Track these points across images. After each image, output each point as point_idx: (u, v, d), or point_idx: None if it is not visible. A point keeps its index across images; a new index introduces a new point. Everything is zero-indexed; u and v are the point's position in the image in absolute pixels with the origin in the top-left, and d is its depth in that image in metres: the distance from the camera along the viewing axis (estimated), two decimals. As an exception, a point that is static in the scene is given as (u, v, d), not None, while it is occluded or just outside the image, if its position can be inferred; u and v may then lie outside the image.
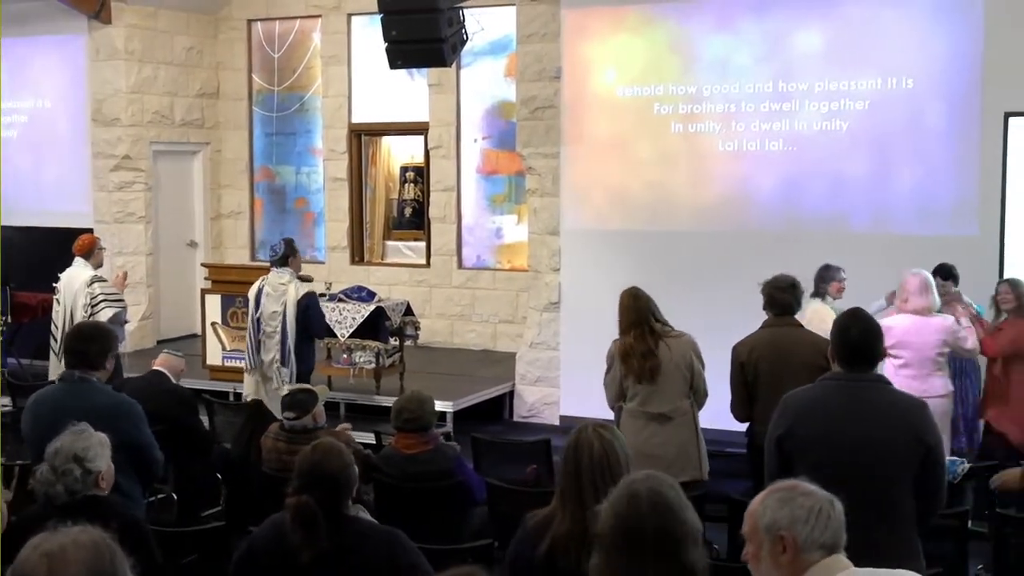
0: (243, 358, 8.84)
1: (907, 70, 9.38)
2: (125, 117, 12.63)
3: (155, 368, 7.43)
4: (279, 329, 8.39)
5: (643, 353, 6.23)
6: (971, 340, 7.45)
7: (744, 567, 3.08)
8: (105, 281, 9.07)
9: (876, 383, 4.17)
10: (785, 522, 2.85)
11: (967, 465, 6.63)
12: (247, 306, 8.80)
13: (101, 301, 8.83)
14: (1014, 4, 9.01)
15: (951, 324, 7.27)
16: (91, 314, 8.69)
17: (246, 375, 8.76)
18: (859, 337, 4.16)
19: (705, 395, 6.42)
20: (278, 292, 8.44)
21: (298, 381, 8.11)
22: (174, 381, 7.40)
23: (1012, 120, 8.91)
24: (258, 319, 8.51)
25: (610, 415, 6.52)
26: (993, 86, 9.03)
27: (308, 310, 8.42)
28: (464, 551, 5.10)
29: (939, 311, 7.36)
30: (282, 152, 13.77)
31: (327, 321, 9.69)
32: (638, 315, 6.29)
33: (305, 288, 8.50)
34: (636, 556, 2.86)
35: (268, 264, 8.89)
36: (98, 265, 9.15)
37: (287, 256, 8.53)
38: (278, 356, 8.40)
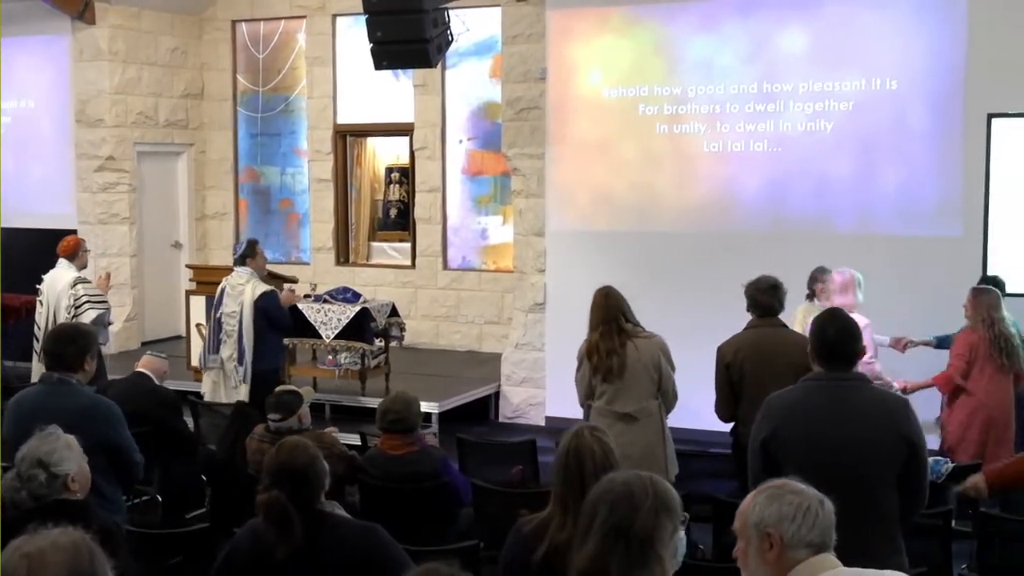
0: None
1: (891, 71, 9.41)
2: (109, 118, 12.59)
3: (138, 370, 7.42)
4: (236, 329, 8.43)
5: (607, 350, 6.23)
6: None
7: (729, 567, 3.09)
8: (89, 283, 9.04)
9: (857, 382, 4.18)
10: (772, 519, 2.86)
11: (951, 465, 6.64)
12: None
13: (85, 303, 8.80)
14: (997, 6, 9.04)
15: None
16: (74, 316, 8.67)
17: (204, 375, 8.77)
18: (837, 336, 4.18)
19: (674, 397, 6.40)
20: (236, 291, 8.50)
21: (264, 380, 8.15)
22: (157, 383, 7.39)
23: (995, 121, 8.95)
24: (218, 318, 8.54)
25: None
26: (976, 87, 9.07)
27: (267, 312, 8.43)
28: (450, 552, 5.10)
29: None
30: (267, 153, 13.74)
31: (311, 321, 9.70)
32: (606, 313, 6.29)
33: (262, 288, 8.51)
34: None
35: (269, 264, 8.96)
36: (82, 267, 9.13)
37: (245, 256, 8.58)
38: (235, 356, 8.45)
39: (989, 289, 7.50)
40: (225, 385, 8.54)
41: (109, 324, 9.37)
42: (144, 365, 7.43)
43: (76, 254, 9.07)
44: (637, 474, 2.90)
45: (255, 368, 8.42)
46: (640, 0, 10.26)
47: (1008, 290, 8.60)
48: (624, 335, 6.25)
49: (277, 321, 8.59)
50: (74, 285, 8.85)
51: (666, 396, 6.35)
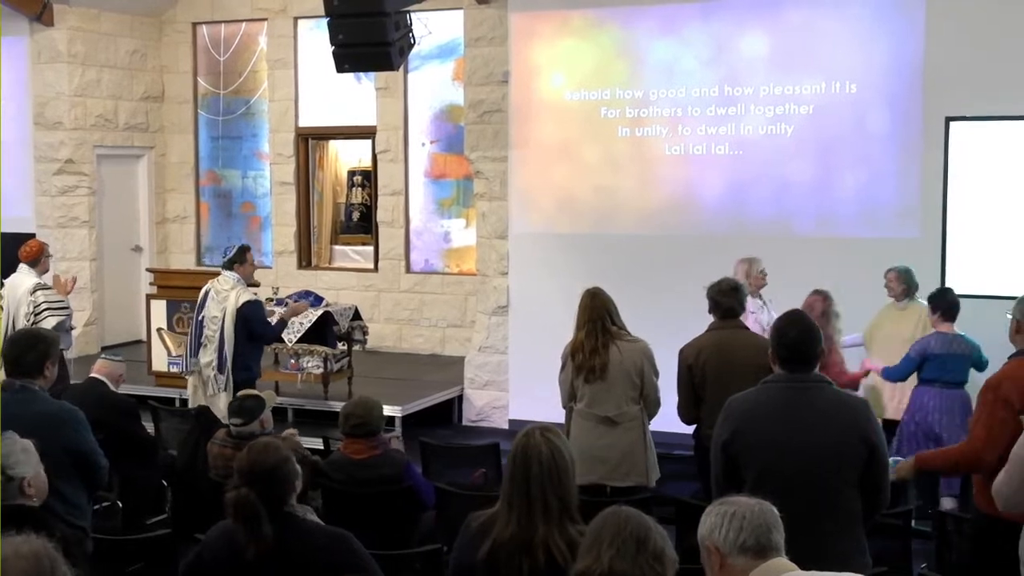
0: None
1: (850, 75, 9.49)
2: (68, 120, 12.49)
3: (93, 375, 7.31)
4: (217, 335, 8.27)
5: (591, 350, 6.23)
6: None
7: (693, 568, 3.14)
8: (49, 289, 8.89)
9: (817, 384, 4.21)
10: (706, 532, 2.98)
11: (911, 465, 6.72)
12: (194, 311, 8.68)
13: (44, 310, 8.68)
14: (955, 10, 9.14)
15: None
16: (33, 323, 8.55)
17: (188, 378, 8.67)
18: (797, 338, 4.20)
19: (657, 404, 6.40)
20: (220, 296, 8.32)
21: (240, 389, 8.01)
22: (113, 388, 7.26)
23: (953, 124, 9.05)
24: (200, 321, 8.40)
25: (560, 417, 6.53)
26: (934, 91, 9.16)
27: (249, 322, 8.24)
28: (413, 556, 5.10)
29: None
30: (228, 156, 13.67)
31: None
32: (593, 313, 6.29)
33: (247, 296, 8.30)
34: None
35: (218, 268, 8.81)
36: (43, 272, 8.99)
37: (233, 261, 8.37)
38: (215, 362, 8.27)
39: None
40: (203, 391, 8.35)
41: (71, 329, 9.26)
42: (99, 370, 7.31)
43: (38, 260, 8.94)
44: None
45: (235, 378, 8.21)
46: (602, 3, 10.30)
47: (966, 292, 8.71)
48: (609, 336, 6.26)
49: (256, 332, 8.33)
50: (34, 292, 8.72)
51: (648, 401, 6.34)
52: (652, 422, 6.49)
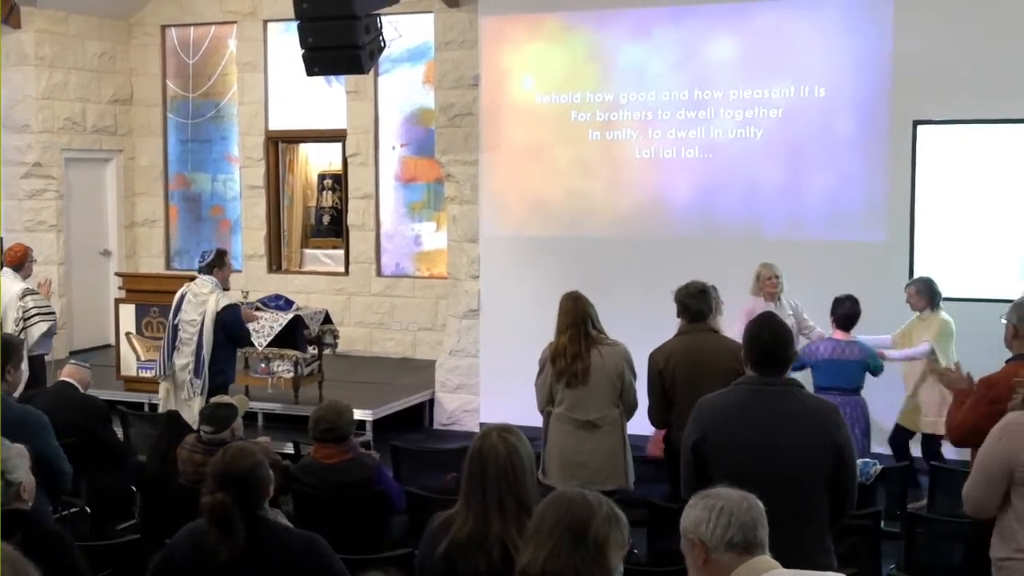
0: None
1: (819, 79, 9.55)
2: (36, 123, 12.40)
3: (63, 379, 7.27)
4: (195, 338, 8.23)
5: (573, 355, 6.26)
6: None
7: (664, 571, 3.14)
8: (37, 294, 8.82)
9: (788, 388, 4.22)
10: (691, 525, 2.92)
11: (879, 467, 6.78)
12: (163, 315, 8.63)
13: (35, 315, 8.63)
14: (922, 16, 9.21)
15: None
16: (23, 328, 8.49)
17: (160, 383, 8.61)
18: (770, 341, 4.22)
19: (634, 406, 6.45)
20: (198, 300, 8.27)
21: (216, 393, 7.97)
22: (82, 391, 7.25)
23: (920, 128, 9.12)
24: (176, 325, 8.34)
25: (531, 420, 6.53)
26: (902, 95, 9.23)
27: (228, 327, 8.24)
28: (385, 560, 5.08)
29: None
30: (197, 159, 13.60)
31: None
32: (575, 317, 6.32)
33: (226, 300, 8.30)
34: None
35: (193, 271, 8.76)
36: (27, 276, 8.92)
37: (212, 265, 8.32)
38: (192, 366, 8.23)
39: None
40: (176, 395, 8.31)
41: (54, 334, 9.20)
42: (68, 375, 7.28)
43: (23, 264, 8.87)
44: (587, 490, 2.94)
45: (211, 382, 8.20)
46: (573, 7, 10.32)
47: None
48: (590, 341, 6.29)
49: (237, 336, 8.37)
50: (23, 297, 8.64)
51: (626, 405, 6.40)
52: (622, 425, 6.52)
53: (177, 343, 8.32)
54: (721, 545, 2.86)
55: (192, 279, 8.54)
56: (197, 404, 8.02)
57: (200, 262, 8.49)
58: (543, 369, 6.43)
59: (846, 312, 7.73)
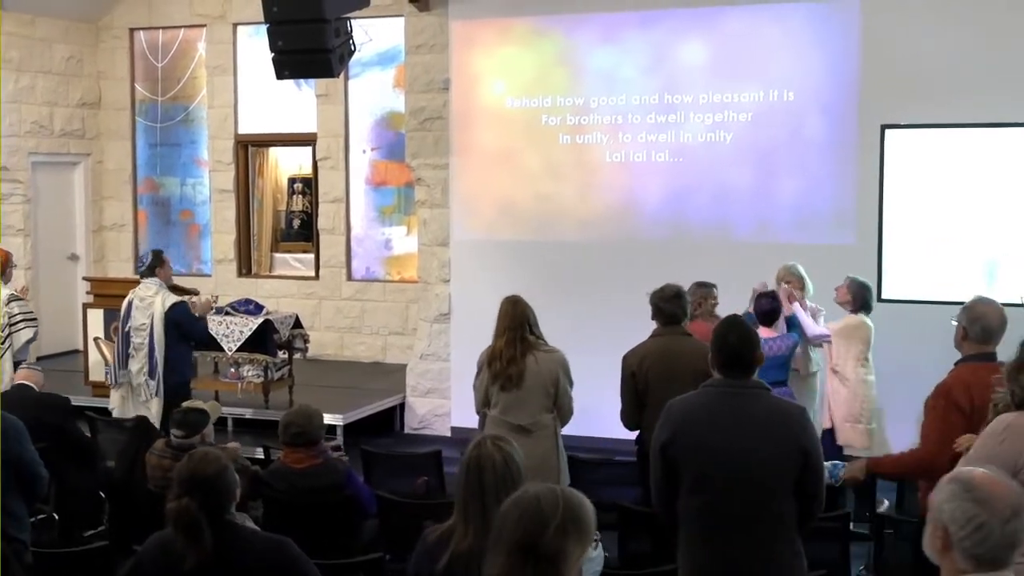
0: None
1: (788, 83, 9.61)
2: (2, 127, 12.29)
3: (19, 382, 7.23)
4: (146, 341, 8.24)
5: (509, 359, 6.24)
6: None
7: (634, 574, 3.11)
8: (22, 300, 8.80)
9: (755, 390, 4.24)
10: (946, 517, 2.68)
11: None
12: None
13: (20, 321, 8.59)
14: (889, 21, 9.28)
15: None
16: (9, 335, 8.44)
17: (112, 391, 8.57)
18: (737, 343, 4.24)
19: (569, 413, 6.41)
20: (145, 303, 8.29)
21: (175, 393, 8.00)
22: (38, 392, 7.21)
23: (888, 132, 9.18)
24: (127, 332, 8.34)
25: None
26: (870, 99, 9.30)
27: (179, 325, 8.25)
28: (356, 565, 5.07)
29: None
30: (166, 163, 13.53)
31: (212, 333, 9.54)
32: (512, 321, 6.31)
33: (172, 299, 8.33)
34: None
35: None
36: (8, 281, 8.86)
37: (153, 266, 8.37)
38: (146, 368, 8.24)
39: None
40: (134, 400, 8.32)
41: (34, 340, 9.16)
42: (23, 377, 7.24)
43: (5, 269, 8.81)
44: (551, 488, 2.79)
45: (166, 382, 8.22)
46: (543, 11, 10.33)
47: (901, 297, 8.85)
48: (526, 345, 6.27)
49: (191, 332, 8.40)
50: (8, 303, 8.59)
51: (561, 411, 6.36)
52: (594, 428, 6.52)
53: (130, 350, 8.34)
54: (967, 552, 2.63)
55: (135, 284, 8.56)
56: (155, 405, 8.08)
57: (140, 266, 8.58)
58: (480, 371, 6.43)
59: (763, 309, 7.71)
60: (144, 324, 8.25)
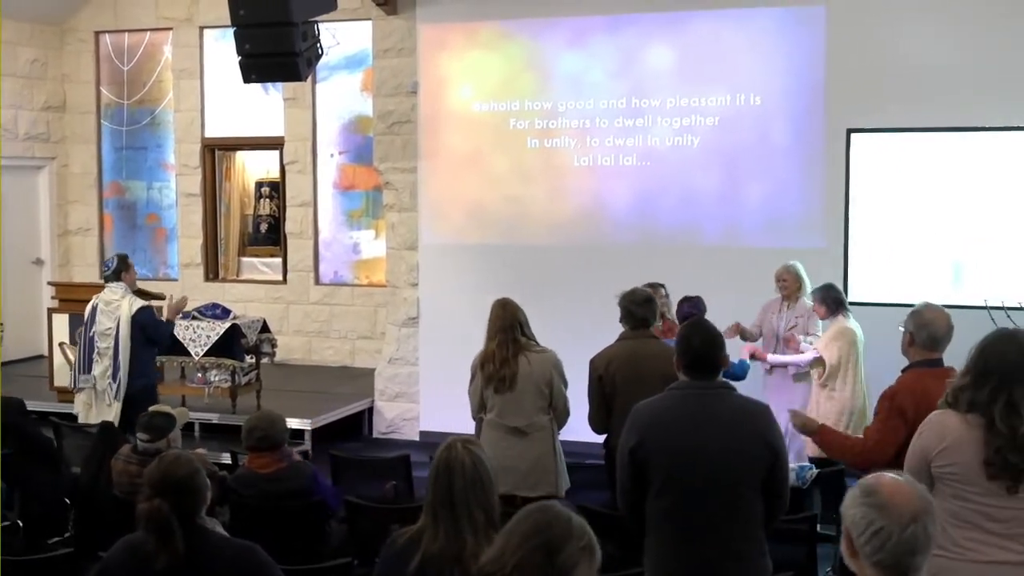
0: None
1: (754, 88, 9.66)
2: (-35, 131, 12.20)
3: None
4: (111, 345, 8.20)
5: (501, 360, 6.26)
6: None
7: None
8: None
9: (720, 390, 4.27)
10: (848, 522, 2.70)
11: (815, 471, 6.84)
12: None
13: None
14: (854, 26, 9.35)
15: None
16: None
17: (76, 396, 8.51)
18: (701, 346, 4.27)
19: (566, 414, 6.45)
20: (111, 308, 8.25)
21: (141, 397, 7.95)
22: None
23: (854, 136, 9.25)
24: (91, 337, 8.30)
25: (469, 428, 6.53)
26: (836, 103, 9.37)
27: (145, 328, 8.22)
28: (324, 570, 5.05)
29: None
30: (133, 167, 13.44)
31: (179, 338, 9.49)
32: (503, 323, 6.33)
33: (139, 303, 8.30)
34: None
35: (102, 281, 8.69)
36: None
37: (119, 271, 8.35)
38: (110, 371, 8.21)
39: None
40: (98, 404, 8.27)
41: None
42: None
43: None
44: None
45: (130, 386, 8.18)
46: (511, 15, 10.35)
47: (868, 300, 8.90)
48: (518, 346, 6.29)
49: (157, 336, 8.35)
50: None
51: (557, 412, 6.39)
52: (562, 432, 6.52)
53: (94, 355, 8.28)
54: (868, 559, 2.64)
55: (99, 289, 8.50)
56: (116, 409, 8.08)
57: (105, 271, 8.53)
58: (474, 376, 6.44)
59: (683, 313, 7.72)
60: (110, 328, 8.21)
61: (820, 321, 8.07)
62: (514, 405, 6.29)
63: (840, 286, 8.55)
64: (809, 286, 8.26)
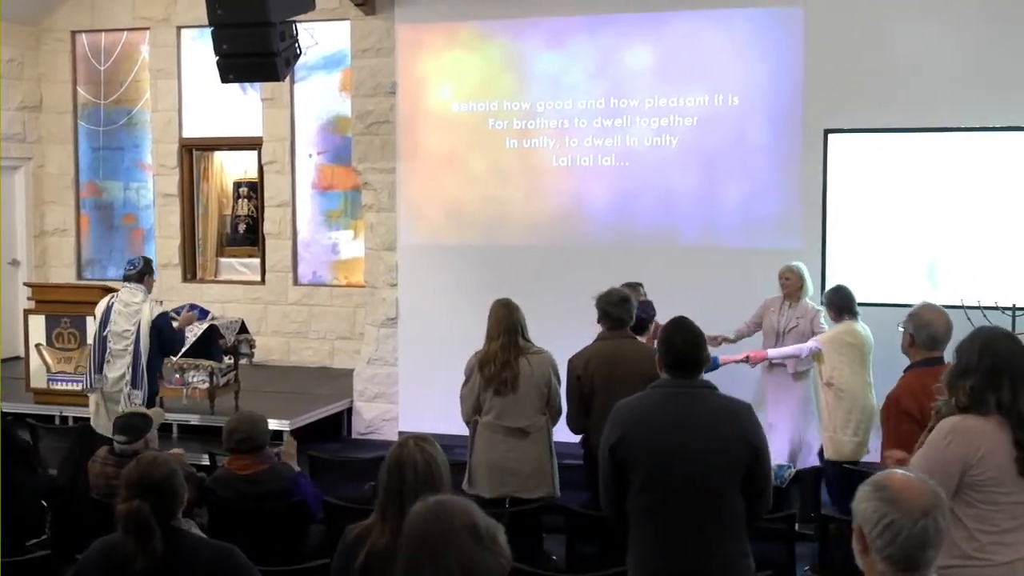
0: (70, 380, 8.49)
1: (733, 88, 9.69)
2: (-60, 131, 12.12)
3: None
4: (131, 349, 7.93)
5: (503, 363, 6.31)
6: None
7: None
8: None
9: (702, 389, 4.28)
10: (859, 513, 2.73)
11: (793, 470, 6.88)
12: (75, 326, 8.40)
13: None
14: (832, 27, 9.38)
15: None
16: None
17: (90, 396, 8.32)
18: (683, 345, 4.27)
19: (559, 412, 6.52)
20: (130, 310, 7.98)
21: (149, 404, 7.79)
22: None
23: (831, 137, 9.29)
24: (104, 337, 8.03)
25: (450, 429, 6.53)
26: (813, 104, 9.40)
27: (163, 333, 8.02)
28: (302, 572, 5.04)
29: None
30: (109, 167, 13.37)
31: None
32: (507, 325, 6.38)
33: (159, 308, 8.12)
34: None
35: (107, 281, 8.56)
36: None
37: (144, 273, 8.09)
38: (128, 377, 7.93)
39: None
40: (108, 409, 7.92)
41: None
42: None
43: None
44: (451, 499, 2.68)
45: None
46: (489, 16, 10.35)
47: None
48: (519, 349, 6.36)
49: (171, 343, 8.15)
50: None
51: (552, 410, 6.49)
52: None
53: (108, 356, 8.02)
54: (880, 553, 2.67)
55: (108, 289, 8.35)
56: None
57: (128, 270, 8.17)
58: (470, 378, 6.45)
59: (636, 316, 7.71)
60: (128, 331, 7.95)
61: (824, 322, 8.02)
62: (515, 406, 6.35)
63: (820, 285, 8.60)
64: (811, 288, 8.27)
